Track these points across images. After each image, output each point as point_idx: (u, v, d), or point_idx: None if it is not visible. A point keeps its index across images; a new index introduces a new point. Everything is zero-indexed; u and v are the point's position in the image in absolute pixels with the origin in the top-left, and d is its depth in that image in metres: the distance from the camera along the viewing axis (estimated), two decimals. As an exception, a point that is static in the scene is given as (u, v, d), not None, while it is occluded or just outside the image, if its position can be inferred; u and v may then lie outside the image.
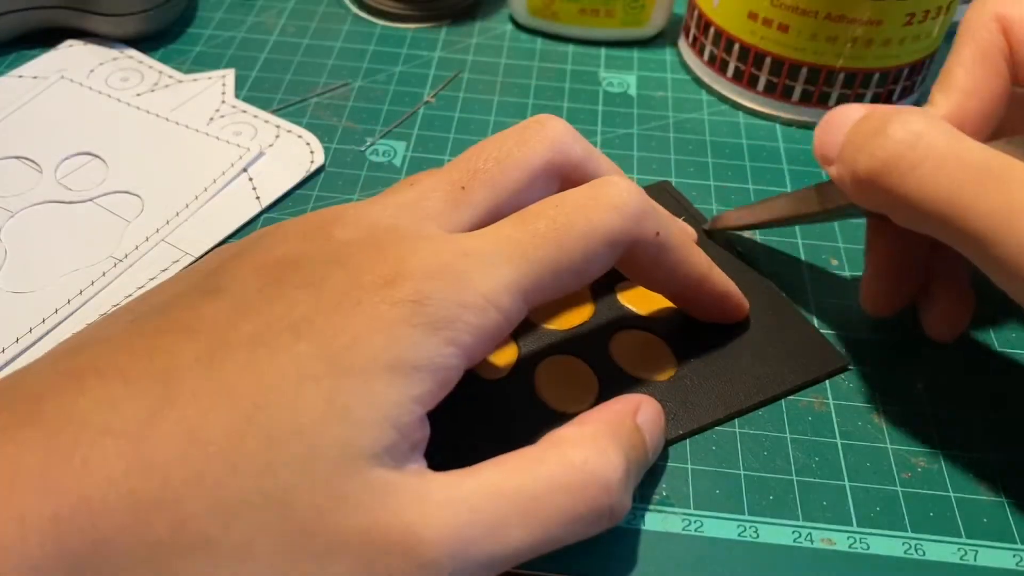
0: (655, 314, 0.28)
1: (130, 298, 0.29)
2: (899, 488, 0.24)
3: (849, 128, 0.23)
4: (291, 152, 0.34)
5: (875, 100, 0.36)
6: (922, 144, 0.21)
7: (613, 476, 0.19)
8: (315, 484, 0.16)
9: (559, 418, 0.25)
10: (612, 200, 0.21)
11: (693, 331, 0.27)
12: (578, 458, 0.19)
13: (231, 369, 0.17)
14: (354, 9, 0.43)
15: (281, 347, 0.17)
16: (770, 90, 0.37)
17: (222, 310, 0.18)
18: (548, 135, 0.23)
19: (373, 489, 0.17)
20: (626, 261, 0.23)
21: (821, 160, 0.24)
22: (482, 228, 0.21)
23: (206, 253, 0.30)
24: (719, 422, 0.25)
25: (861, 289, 0.28)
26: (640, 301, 0.28)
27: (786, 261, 0.31)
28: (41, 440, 0.16)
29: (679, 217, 0.30)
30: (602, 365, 0.26)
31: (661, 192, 0.33)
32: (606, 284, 0.29)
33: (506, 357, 0.27)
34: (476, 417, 0.25)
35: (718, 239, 0.31)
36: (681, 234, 0.24)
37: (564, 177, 0.23)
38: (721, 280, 0.26)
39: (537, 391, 0.26)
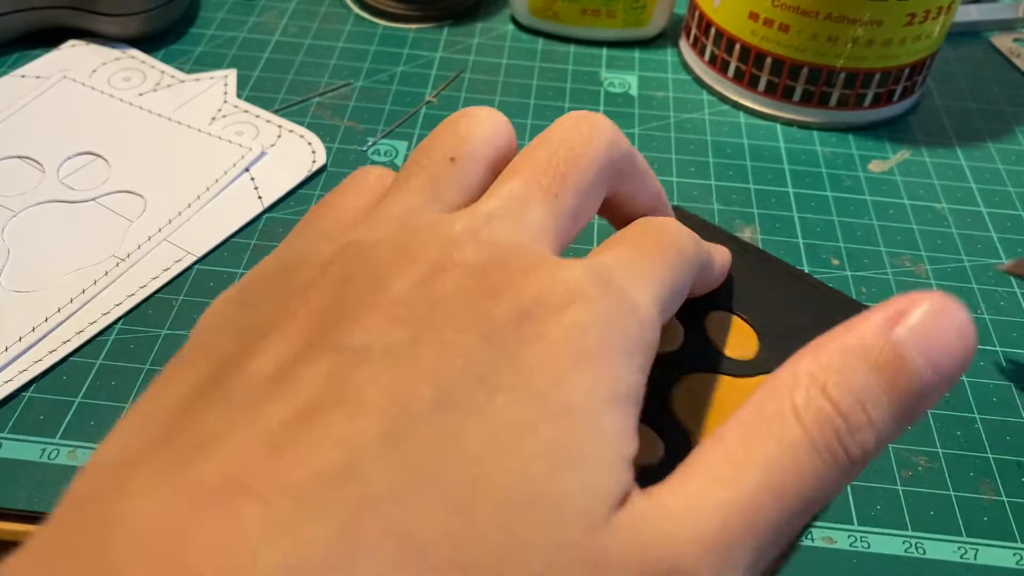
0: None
1: (132, 297, 0.29)
2: (900, 487, 0.24)
3: None
4: (293, 152, 0.35)
5: (876, 100, 0.37)
6: None
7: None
8: (573, 558, 0.14)
9: None
10: (683, 232, 0.20)
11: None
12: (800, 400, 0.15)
13: (426, 445, 0.14)
14: (356, 9, 0.43)
15: (476, 405, 0.15)
16: (771, 90, 0.37)
17: (380, 374, 0.15)
18: (606, 132, 0.21)
19: (628, 535, 0.15)
20: None
21: None
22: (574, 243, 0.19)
23: (209, 253, 0.31)
24: None
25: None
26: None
27: (788, 260, 0.31)
28: None
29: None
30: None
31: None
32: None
33: None
34: None
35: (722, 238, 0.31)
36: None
37: (618, 175, 0.21)
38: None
39: None
